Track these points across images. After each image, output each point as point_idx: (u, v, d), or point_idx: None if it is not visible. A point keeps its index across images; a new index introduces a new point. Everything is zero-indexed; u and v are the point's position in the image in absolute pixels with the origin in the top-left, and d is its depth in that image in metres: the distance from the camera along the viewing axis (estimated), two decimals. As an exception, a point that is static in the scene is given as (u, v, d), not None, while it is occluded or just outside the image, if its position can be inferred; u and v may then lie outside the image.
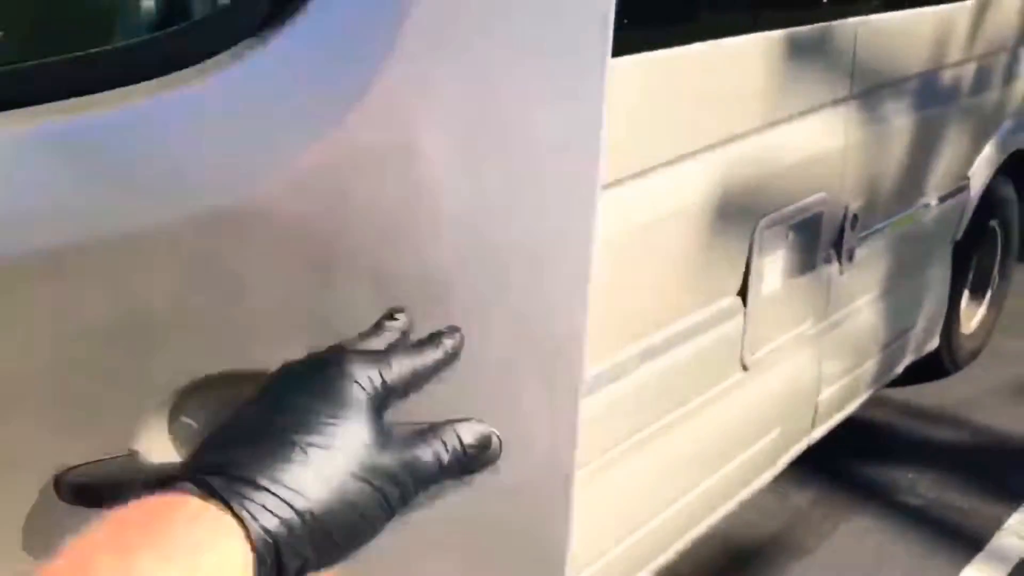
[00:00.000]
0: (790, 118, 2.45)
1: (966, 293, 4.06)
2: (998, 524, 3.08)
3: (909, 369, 3.66)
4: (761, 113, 2.36)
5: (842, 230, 2.79)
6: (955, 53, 3.15)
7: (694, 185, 2.21)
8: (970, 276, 4.05)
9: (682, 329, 2.33)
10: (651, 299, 2.23)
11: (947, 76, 3.16)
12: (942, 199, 3.34)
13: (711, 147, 2.23)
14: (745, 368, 2.56)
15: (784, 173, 2.47)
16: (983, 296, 4.08)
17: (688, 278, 2.30)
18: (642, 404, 2.30)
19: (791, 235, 2.56)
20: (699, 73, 2.18)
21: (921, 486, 3.26)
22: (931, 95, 3.12)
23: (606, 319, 2.11)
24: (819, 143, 2.59)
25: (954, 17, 3.10)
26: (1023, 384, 3.93)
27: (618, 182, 2.03)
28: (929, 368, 3.83)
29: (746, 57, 2.29)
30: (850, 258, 2.86)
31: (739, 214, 2.38)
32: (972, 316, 4.05)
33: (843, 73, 2.62)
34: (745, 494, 2.73)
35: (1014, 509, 3.14)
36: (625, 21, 2.12)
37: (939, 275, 3.54)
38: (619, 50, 1.96)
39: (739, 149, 2.31)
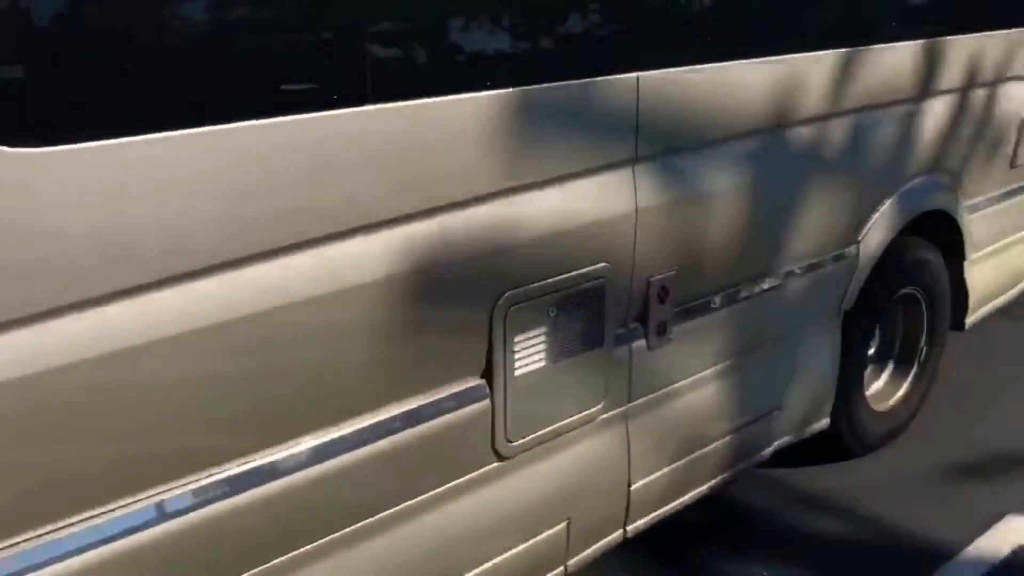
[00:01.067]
0: (539, 184, 2.20)
1: (890, 366, 3.72)
2: (847, 637, 2.74)
3: (808, 449, 3.35)
4: (492, 179, 2.12)
5: (645, 303, 2.52)
6: (809, 108, 2.82)
7: (397, 255, 1.98)
8: (896, 347, 3.72)
9: (401, 413, 2.11)
10: (357, 378, 2.02)
11: (801, 134, 2.83)
12: (812, 266, 3.01)
13: (414, 216, 2.00)
14: (502, 457, 2.32)
15: (535, 243, 2.22)
16: (907, 369, 3.71)
17: (404, 359, 2.08)
18: (363, 491, 2.09)
19: (556, 310, 2.30)
20: (403, 134, 1.97)
21: (773, 586, 2.93)
22: (780, 155, 2.79)
23: (299, 397, 1.92)
24: (593, 209, 2.33)
25: (802, 70, 2.79)
26: (945, 469, 3.53)
27: (298, 246, 1.84)
28: (836, 449, 3.50)
29: (468, 119, 2.05)
30: (660, 333, 2.59)
31: (469, 289, 2.15)
32: (891, 392, 3.68)
33: (623, 133, 2.35)
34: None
35: (870, 620, 2.80)
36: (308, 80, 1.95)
37: (822, 348, 3.20)
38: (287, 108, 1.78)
39: (459, 218, 2.08)
